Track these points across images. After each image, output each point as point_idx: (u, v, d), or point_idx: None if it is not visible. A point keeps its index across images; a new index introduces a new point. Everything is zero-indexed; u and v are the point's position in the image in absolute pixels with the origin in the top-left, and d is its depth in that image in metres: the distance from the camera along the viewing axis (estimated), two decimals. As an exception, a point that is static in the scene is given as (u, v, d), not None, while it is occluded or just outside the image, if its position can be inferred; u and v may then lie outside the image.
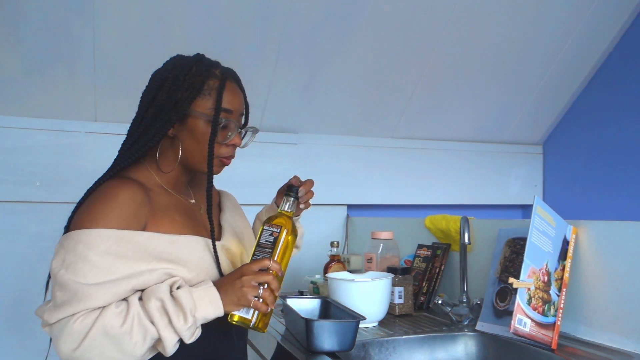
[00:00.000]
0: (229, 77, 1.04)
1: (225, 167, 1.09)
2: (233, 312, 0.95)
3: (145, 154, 1.05)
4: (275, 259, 0.97)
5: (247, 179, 2.04)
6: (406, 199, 2.36)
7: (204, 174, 1.05)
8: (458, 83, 2.24)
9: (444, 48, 2.08)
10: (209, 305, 0.92)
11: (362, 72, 2.07)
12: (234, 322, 0.96)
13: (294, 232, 1.02)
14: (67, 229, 0.97)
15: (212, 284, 0.95)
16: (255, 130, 1.11)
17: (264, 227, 1.00)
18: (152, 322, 0.89)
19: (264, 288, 0.94)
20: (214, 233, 1.02)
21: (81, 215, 0.93)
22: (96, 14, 1.64)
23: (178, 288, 0.93)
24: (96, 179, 1.02)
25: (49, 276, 0.99)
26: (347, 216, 2.28)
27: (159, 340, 0.90)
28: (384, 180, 2.32)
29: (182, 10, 1.71)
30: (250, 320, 0.95)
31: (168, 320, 0.89)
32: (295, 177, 1.18)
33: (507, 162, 2.58)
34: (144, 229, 0.95)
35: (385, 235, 1.69)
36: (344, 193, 2.25)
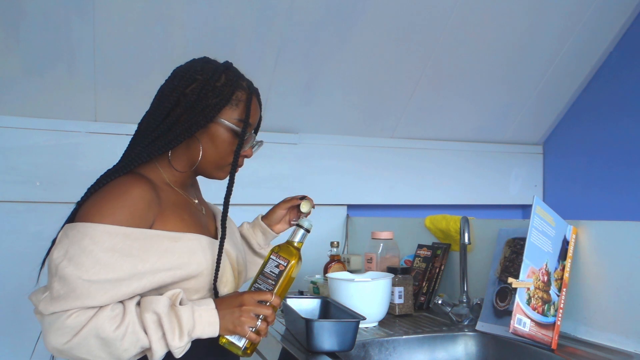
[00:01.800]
0: (254, 91, 1.07)
1: None
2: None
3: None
4: (276, 291, 0.97)
5: (247, 179, 2.04)
6: (406, 199, 2.36)
7: (212, 178, 1.09)
8: (458, 83, 2.24)
9: (444, 48, 2.08)
10: (206, 326, 0.93)
11: (362, 72, 2.07)
12: (222, 344, 0.96)
13: (299, 262, 1.02)
14: (72, 219, 0.96)
15: (214, 305, 0.96)
16: (261, 143, 1.13)
17: (271, 257, 1.01)
18: (146, 333, 0.89)
19: (261, 320, 0.95)
20: (223, 239, 1.02)
21: (90, 208, 0.92)
22: (96, 14, 1.64)
23: (180, 302, 0.93)
24: (107, 170, 1.01)
25: (44, 261, 0.98)
26: (347, 216, 2.28)
27: (149, 349, 0.91)
28: (384, 180, 2.32)
29: (182, 10, 1.71)
30: (240, 349, 0.96)
31: (162, 334, 0.90)
32: (307, 200, 1.20)
33: (507, 162, 2.58)
34: (151, 227, 0.95)
35: (385, 235, 1.69)
36: (344, 193, 2.25)
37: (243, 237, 1.26)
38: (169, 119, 1.00)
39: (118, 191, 0.93)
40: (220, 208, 1.23)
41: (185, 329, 0.91)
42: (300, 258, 1.02)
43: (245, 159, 1.11)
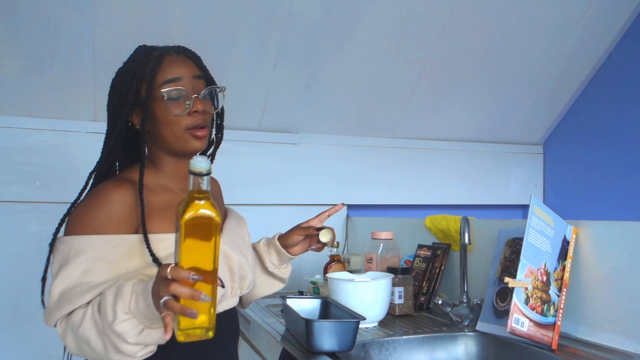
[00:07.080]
0: (167, 52, 1.02)
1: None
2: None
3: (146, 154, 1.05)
4: (179, 262, 0.76)
5: (247, 179, 2.04)
6: (406, 199, 2.36)
7: (190, 152, 1.01)
8: (458, 83, 2.24)
9: (443, 48, 2.08)
10: (141, 300, 0.82)
11: (362, 71, 2.07)
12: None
13: (200, 213, 0.75)
14: (62, 227, 0.98)
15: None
16: (222, 89, 1.05)
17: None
18: (99, 311, 0.84)
19: (169, 299, 0.75)
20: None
21: (74, 219, 0.94)
22: (96, 13, 1.63)
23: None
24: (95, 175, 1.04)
25: (43, 280, 1.00)
26: (347, 216, 2.28)
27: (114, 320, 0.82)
28: (384, 180, 2.32)
29: (182, 10, 1.71)
30: (177, 331, 0.77)
31: (113, 299, 0.83)
32: (327, 230, 1.21)
33: (507, 162, 2.58)
34: (136, 231, 0.95)
35: (385, 235, 1.69)
36: (344, 193, 2.24)
37: (257, 254, 1.23)
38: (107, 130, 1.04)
39: (98, 198, 0.94)
40: (234, 208, 1.22)
41: (123, 294, 0.82)
42: (203, 206, 0.75)
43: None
